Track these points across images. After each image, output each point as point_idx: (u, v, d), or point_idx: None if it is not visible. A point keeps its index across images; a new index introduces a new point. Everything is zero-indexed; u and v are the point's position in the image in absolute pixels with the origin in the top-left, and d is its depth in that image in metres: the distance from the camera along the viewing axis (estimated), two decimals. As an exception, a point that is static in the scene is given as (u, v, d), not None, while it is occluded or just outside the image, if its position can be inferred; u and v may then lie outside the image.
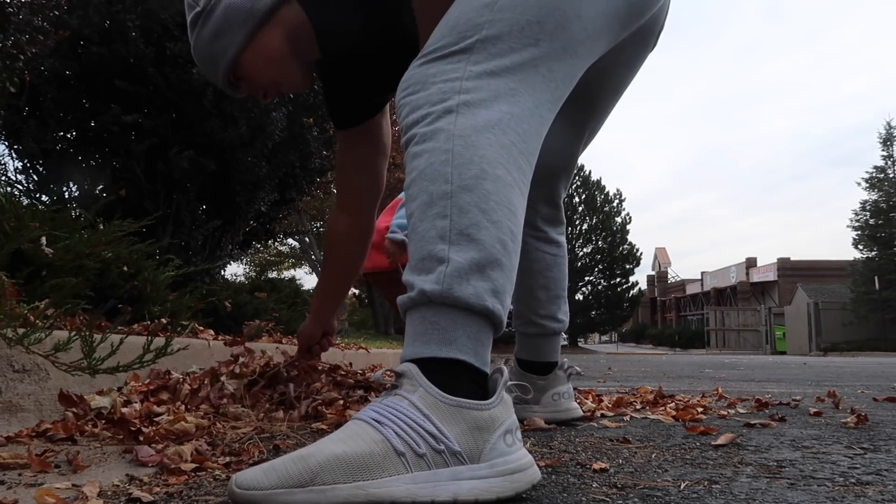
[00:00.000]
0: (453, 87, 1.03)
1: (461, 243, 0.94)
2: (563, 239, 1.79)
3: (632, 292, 36.01)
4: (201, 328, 2.91)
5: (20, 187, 3.81)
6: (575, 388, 3.16)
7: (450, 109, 1.01)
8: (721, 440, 1.48)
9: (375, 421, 0.88)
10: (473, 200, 0.96)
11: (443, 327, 0.93)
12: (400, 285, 2.28)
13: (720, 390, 3.01)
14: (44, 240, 2.15)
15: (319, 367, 2.11)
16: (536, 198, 1.70)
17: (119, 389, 1.66)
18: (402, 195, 2.45)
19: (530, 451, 1.36)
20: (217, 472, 1.11)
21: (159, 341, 1.61)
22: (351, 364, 3.18)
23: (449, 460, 0.87)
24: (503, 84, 1.04)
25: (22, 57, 2.75)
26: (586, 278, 37.08)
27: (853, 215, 26.99)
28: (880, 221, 26.08)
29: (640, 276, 53.49)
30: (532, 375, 1.77)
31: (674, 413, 1.99)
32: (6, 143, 3.71)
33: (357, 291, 24.16)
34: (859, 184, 27.48)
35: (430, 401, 0.89)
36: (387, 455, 0.85)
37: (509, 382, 0.94)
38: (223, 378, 1.80)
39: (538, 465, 0.96)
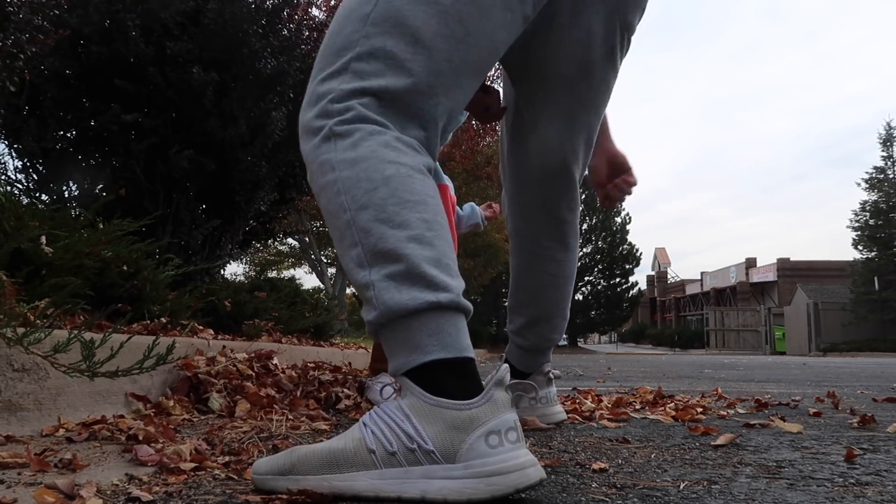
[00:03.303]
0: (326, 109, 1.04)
1: (377, 262, 0.96)
2: (566, 255, 1.68)
3: (631, 292, 36.02)
4: (201, 328, 2.91)
5: (20, 186, 3.81)
6: (574, 388, 3.16)
7: (327, 137, 1.03)
8: (720, 440, 1.48)
9: (363, 423, 0.94)
10: (372, 216, 0.97)
11: (404, 338, 0.95)
12: None
13: (720, 390, 3.01)
14: (43, 239, 2.14)
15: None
16: (534, 212, 1.64)
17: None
18: None
19: (529, 450, 1.36)
20: (216, 472, 1.11)
21: (160, 347, 1.61)
22: (350, 364, 3.19)
23: (422, 459, 0.88)
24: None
25: (22, 56, 2.75)
26: (586, 278, 37.07)
27: (853, 216, 27.00)
28: (880, 222, 26.08)
29: (640, 277, 53.51)
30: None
31: (673, 413, 1.99)
32: (6, 143, 3.71)
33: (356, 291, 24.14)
34: (859, 184, 27.46)
35: (413, 402, 0.91)
36: (357, 452, 0.90)
37: (508, 382, 0.93)
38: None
39: (542, 465, 0.94)
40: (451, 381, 0.92)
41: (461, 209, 2.70)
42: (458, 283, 0.99)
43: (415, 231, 0.97)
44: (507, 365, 0.95)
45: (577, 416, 1.93)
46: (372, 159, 1.00)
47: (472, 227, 2.74)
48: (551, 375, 1.76)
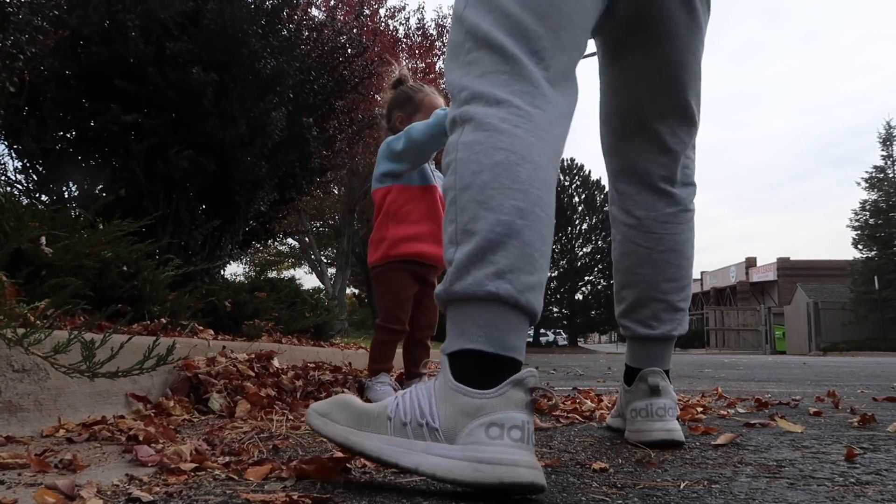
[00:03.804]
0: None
1: (463, 241, 1.01)
2: (666, 226, 1.49)
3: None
4: (201, 328, 2.91)
5: (20, 187, 3.81)
6: (574, 388, 3.16)
7: (454, 121, 1.11)
8: (721, 440, 1.48)
9: (399, 394, 1.03)
10: (471, 196, 1.02)
11: (456, 321, 1.00)
12: (377, 283, 2.26)
13: (720, 390, 3.01)
14: (43, 239, 2.14)
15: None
16: (622, 166, 1.51)
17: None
18: None
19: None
20: (217, 472, 1.11)
21: (160, 347, 1.61)
22: (350, 364, 3.19)
23: (426, 435, 0.95)
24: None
25: (22, 56, 2.75)
26: (586, 278, 37.07)
27: (853, 215, 26.99)
28: (880, 221, 26.07)
29: (640, 276, 53.24)
30: (625, 385, 1.55)
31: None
32: (6, 143, 3.70)
33: (357, 291, 24.15)
34: (859, 184, 27.47)
35: (439, 382, 0.99)
36: (379, 416, 1.00)
37: (530, 385, 0.95)
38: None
39: (542, 465, 0.94)
40: (478, 371, 0.96)
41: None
42: (531, 279, 0.99)
43: (503, 215, 1.00)
44: (533, 369, 0.97)
45: (578, 416, 1.93)
46: (485, 144, 1.04)
47: None
48: (654, 384, 1.45)
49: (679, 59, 1.42)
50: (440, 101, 2.47)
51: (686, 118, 1.48)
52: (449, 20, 15.85)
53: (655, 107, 1.47)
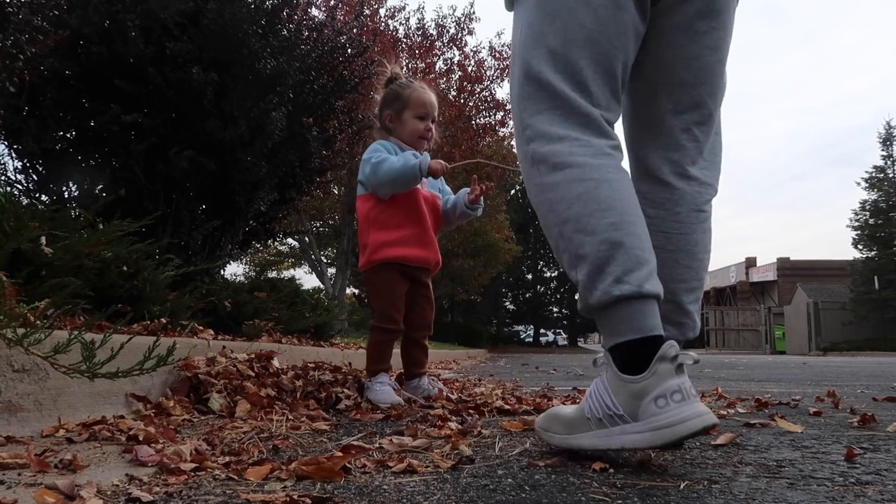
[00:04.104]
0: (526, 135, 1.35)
1: (579, 264, 1.25)
2: (676, 227, 1.48)
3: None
4: (201, 328, 2.90)
5: (20, 187, 3.80)
6: (574, 388, 3.16)
7: (529, 158, 1.34)
8: (721, 440, 1.48)
9: (588, 396, 1.27)
10: (572, 227, 1.26)
11: (604, 325, 1.24)
12: (369, 284, 2.25)
13: (720, 390, 3.01)
14: (43, 240, 2.14)
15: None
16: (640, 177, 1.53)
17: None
18: None
19: (529, 451, 1.36)
20: (217, 472, 1.11)
21: (161, 348, 1.61)
22: (350, 364, 3.18)
23: (617, 420, 1.20)
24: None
25: (22, 57, 2.74)
26: (586, 278, 36.85)
27: (853, 215, 26.99)
28: (880, 221, 26.07)
29: (640, 276, 53.23)
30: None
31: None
32: (6, 143, 3.70)
33: (357, 291, 24.14)
34: (859, 184, 27.47)
35: (609, 376, 1.22)
36: (581, 419, 1.27)
37: (671, 355, 1.15)
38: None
39: (541, 465, 0.96)
40: (633, 358, 1.18)
41: (447, 203, 2.51)
42: (643, 272, 1.20)
43: (603, 235, 1.22)
44: (672, 341, 1.16)
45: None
46: (566, 180, 1.27)
47: (462, 219, 2.51)
48: (680, 361, 1.38)
49: (689, 55, 1.44)
50: (428, 96, 2.43)
51: (700, 115, 1.49)
52: (449, 20, 15.66)
53: (669, 102, 1.48)
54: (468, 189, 2.46)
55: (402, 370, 2.56)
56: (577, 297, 1.29)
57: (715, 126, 1.53)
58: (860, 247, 26.61)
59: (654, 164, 1.50)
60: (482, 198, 2.47)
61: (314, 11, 8.30)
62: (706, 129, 1.51)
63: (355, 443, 1.39)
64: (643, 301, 1.20)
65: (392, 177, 2.25)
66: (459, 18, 15.65)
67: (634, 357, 1.17)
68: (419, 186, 2.38)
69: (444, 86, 15.12)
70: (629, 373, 1.17)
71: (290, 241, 21.44)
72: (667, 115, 1.48)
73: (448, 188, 2.62)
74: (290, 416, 1.80)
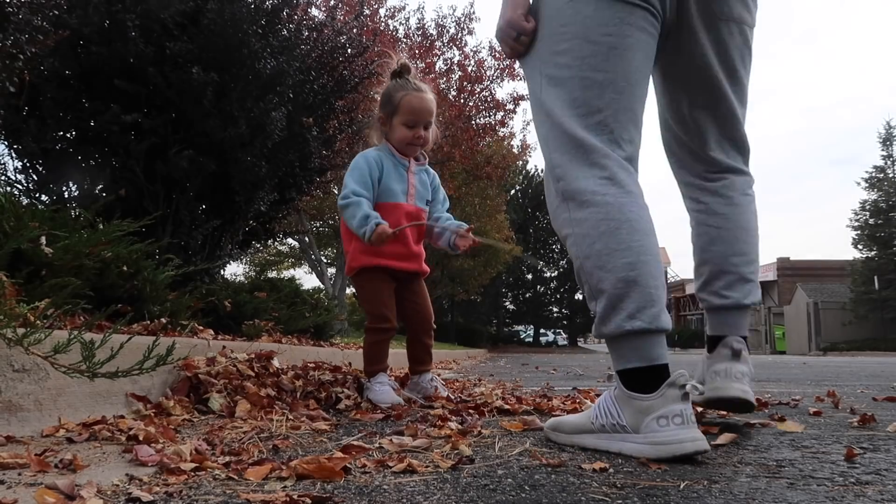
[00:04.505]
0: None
1: (597, 297, 1.40)
2: (729, 209, 1.70)
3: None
4: (201, 328, 2.90)
5: (20, 187, 3.80)
6: (574, 388, 3.16)
7: (558, 193, 1.48)
8: (721, 440, 1.48)
9: (597, 405, 1.44)
10: (592, 263, 1.40)
11: (614, 350, 1.40)
12: (357, 288, 2.27)
13: (720, 390, 3.00)
14: (43, 239, 2.14)
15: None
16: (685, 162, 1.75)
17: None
18: None
19: (529, 451, 1.36)
20: (217, 472, 1.11)
21: (160, 347, 1.61)
22: (350, 364, 3.18)
23: (619, 430, 1.36)
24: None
25: (21, 57, 2.74)
26: (586, 278, 36.83)
27: (853, 215, 26.99)
28: (880, 221, 26.06)
29: (640, 276, 53.23)
30: (707, 353, 1.77)
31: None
32: (6, 143, 3.70)
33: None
34: (859, 184, 27.47)
35: (618, 393, 1.39)
36: (588, 424, 1.44)
37: (681, 383, 1.30)
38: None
39: (541, 465, 0.96)
40: (641, 379, 1.34)
41: (437, 220, 2.45)
42: (655, 309, 1.35)
43: (620, 273, 1.36)
44: (683, 370, 1.31)
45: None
46: (590, 219, 1.41)
47: (441, 247, 2.44)
48: (738, 348, 1.66)
49: (706, 69, 1.61)
50: (421, 101, 2.31)
51: (725, 117, 1.68)
52: (448, 20, 15.61)
53: (696, 105, 1.67)
54: (463, 227, 2.36)
55: (408, 369, 2.57)
56: (592, 326, 1.46)
57: (742, 120, 1.71)
58: (860, 247, 26.60)
59: (702, 160, 1.72)
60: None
61: (314, 11, 8.30)
62: (735, 134, 1.71)
63: (355, 443, 1.39)
64: (652, 335, 1.35)
65: (347, 222, 2.26)
66: (459, 18, 15.67)
67: (640, 379, 1.34)
68: (404, 201, 2.36)
69: (444, 86, 15.11)
70: (636, 391, 1.33)
71: (290, 241, 21.45)
72: (699, 113, 1.67)
73: (442, 193, 2.55)
74: (290, 416, 1.80)
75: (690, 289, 45.33)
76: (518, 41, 1.54)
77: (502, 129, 16.93)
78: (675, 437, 1.28)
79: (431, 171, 2.55)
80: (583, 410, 1.82)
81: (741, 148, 1.73)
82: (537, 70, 1.51)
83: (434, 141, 2.45)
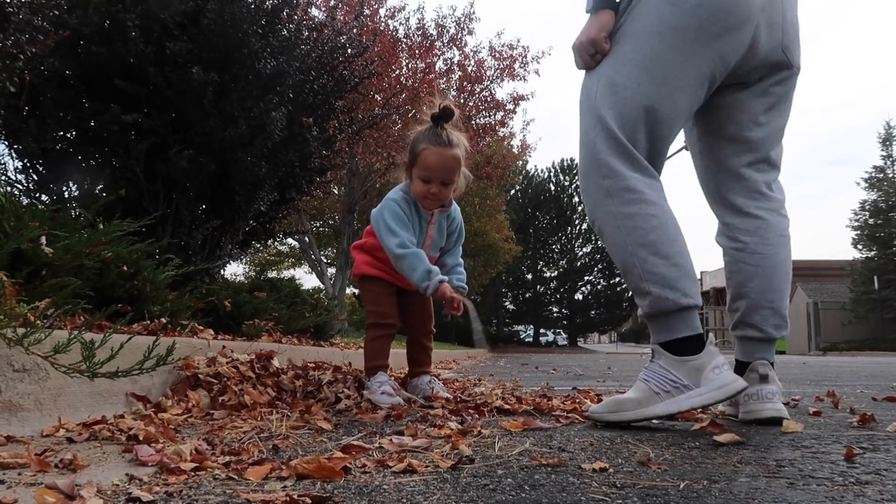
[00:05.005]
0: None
1: (651, 280, 1.68)
2: (739, 223, 1.89)
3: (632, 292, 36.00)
4: (201, 328, 2.90)
5: (20, 187, 3.80)
6: (574, 388, 3.16)
7: (605, 189, 1.75)
8: (721, 439, 1.48)
9: (645, 379, 1.69)
10: (647, 251, 1.68)
11: (668, 325, 1.68)
12: (361, 289, 2.28)
13: (720, 390, 3.00)
14: (43, 239, 2.14)
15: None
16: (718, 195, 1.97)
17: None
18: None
19: (529, 451, 1.36)
20: (217, 472, 1.11)
21: (160, 347, 1.61)
22: (350, 364, 3.18)
23: (683, 389, 1.62)
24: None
25: (22, 57, 2.74)
26: (586, 278, 37.06)
27: (852, 215, 27.01)
28: (879, 221, 26.08)
29: (640, 276, 53.17)
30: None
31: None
32: (6, 143, 3.70)
33: (357, 291, 24.15)
34: (858, 184, 27.51)
35: (669, 360, 1.66)
36: (651, 395, 1.67)
37: (714, 341, 1.67)
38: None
39: (541, 465, 0.98)
40: (686, 347, 1.65)
41: (442, 264, 2.48)
42: (696, 290, 1.67)
43: (673, 260, 1.67)
44: (710, 335, 1.71)
45: (578, 416, 1.93)
46: (640, 213, 1.69)
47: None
48: (764, 372, 1.83)
49: (740, 116, 1.88)
50: (444, 160, 2.23)
51: (758, 158, 1.92)
52: (449, 20, 15.58)
53: (732, 152, 1.91)
54: (460, 288, 2.43)
55: (408, 370, 2.60)
56: (639, 308, 1.73)
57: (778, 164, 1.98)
58: (860, 247, 26.62)
59: (741, 202, 1.91)
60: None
61: (314, 11, 8.30)
62: (770, 171, 1.95)
63: (355, 443, 1.39)
64: (696, 309, 1.68)
65: (403, 272, 2.24)
66: (459, 18, 15.65)
67: (687, 346, 1.65)
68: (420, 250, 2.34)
69: (444, 86, 15.11)
70: (686, 355, 1.64)
71: (290, 241, 21.44)
72: (733, 159, 1.91)
73: (459, 233, 2.52)
74: (290, 415, 1.80)
75: (690, 289, 45.26)
76: (593, 58, 1.80)
77: (502, 129, 16.93)
78: (731, 377, 1.62)
79: (454, 213, 2.49)
80: (588, 406, 2.00)
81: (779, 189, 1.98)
82: (598, 73, 1.78)
83: (458, 193, 2.40)
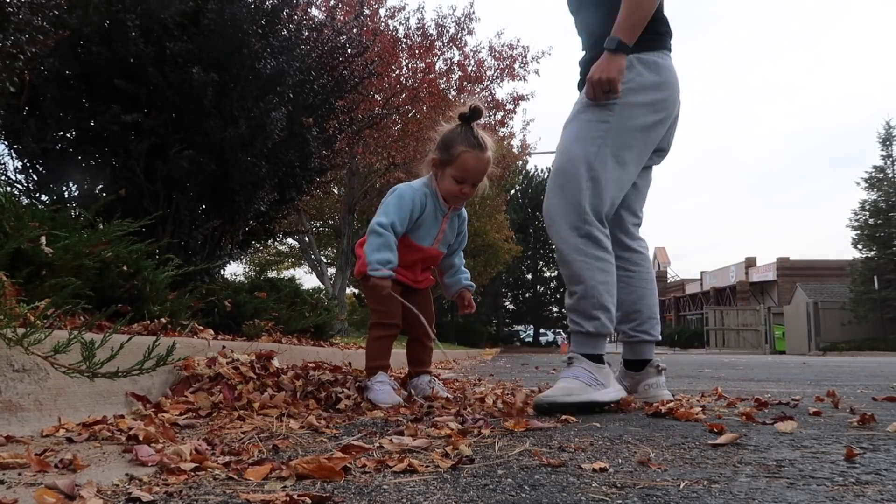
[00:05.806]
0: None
1: (598, 308, 2.16)
2: (629, 255, 2.41)
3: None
4: (201, 328, 2.91)
5: (20, 187, 3.80)
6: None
7: (583, 232, 2.20)
8: (721, 440, 1.48)
9: (577, 375, 2.11)
10: (604, 289, 2.17)
11: (595, 341, 2.17)
12: (364, 288, 2.31)
13: (719, 390, 3.01)
14: (43, 239, 2.14)
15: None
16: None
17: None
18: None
19: (529, 451, 1.36)
20: (217, 472, 1.11)
21: (160, 347, 1.61)
22: (350, 364, 3.18)
23: (598, 387, 2.10)
24: None
25: (22, 57, 2.74)
26: (586, 278, 36.77)
27: (852, 215, 26.97)
28: (879, 221, 26.06)
29: (640, 276, 53.21)
30: (630, 371, 2.45)
31: (673, 412, 1.99)
32: (6, 143, 3.70)
33: (357, 291, 24.14)
34: (858, 184, 27.47)
35: (591, 366, 2.13)
36: (585, 387, 2.08)
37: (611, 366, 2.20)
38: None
39: (541, 465, 0.96)
40: (601, 358, 2.17)
41: (451, 267, 2.65)
42: (612, 325, 2.21)
43: (613, 300, 2.19)
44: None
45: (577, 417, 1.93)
46: (607, 260, 2.19)
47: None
48: (661, 367, 2.41)
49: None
50: (481, 163, 2.30)
51: (638, 221, 2.50)
52: (448, 20, 15.57)
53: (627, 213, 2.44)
54: (468, 289, 2.64)
55: (408, 369, 2.61)
56: (573, 324, 2.20)
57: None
58: (860, 247, 26.60)
59: (629, 243, 2.43)
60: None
61: (314, 11, 8.30)
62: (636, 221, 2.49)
63: (355, 443, 1.39)
64: (597, 335, 2.17)
65: (369, 245, 2.30)
66: (459, 18, 15.63)
67: (600, 359, 2.17)
68: (429, 245, 2.43)
69: (444, 86, 15.10)
70: (599, 363, 2.15)
71: (290, 241, 21.45)
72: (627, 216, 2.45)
73: (464, 233, 2.63)
74: (290, 414, 1.80)
75: (690, 289, 45.35)
76: (606, 95, 2.11)
77: (502, 129, 16.91)
78: (619, 387, 2.21)
79: (463, 213, 2.60)
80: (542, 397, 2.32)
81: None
82: (592, 123, 2.17)
83: (482, 192, 2.49)
